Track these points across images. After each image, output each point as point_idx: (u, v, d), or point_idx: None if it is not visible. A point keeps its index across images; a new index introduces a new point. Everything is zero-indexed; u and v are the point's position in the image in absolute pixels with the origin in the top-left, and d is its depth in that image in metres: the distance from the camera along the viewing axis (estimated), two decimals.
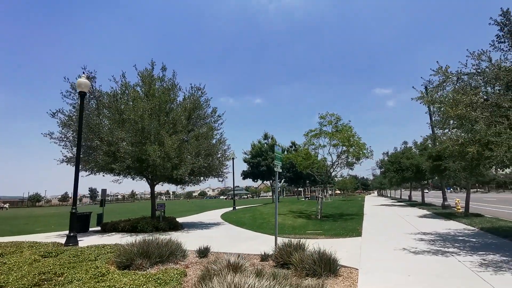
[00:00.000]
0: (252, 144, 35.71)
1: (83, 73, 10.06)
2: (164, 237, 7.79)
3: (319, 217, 16.35)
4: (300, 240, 6.79)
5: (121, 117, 11.63)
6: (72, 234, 9.01)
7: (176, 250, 7.08)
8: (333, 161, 17.67)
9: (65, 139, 11.60)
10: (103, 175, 12.34)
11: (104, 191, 14.17)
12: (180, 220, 18.65)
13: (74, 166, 9.40)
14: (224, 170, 15.55)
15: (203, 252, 7.29)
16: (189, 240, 9.83)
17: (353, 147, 16.35)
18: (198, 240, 9.86)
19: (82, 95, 9.81)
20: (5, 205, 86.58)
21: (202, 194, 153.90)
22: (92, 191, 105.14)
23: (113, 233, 12.13)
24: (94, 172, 11.97)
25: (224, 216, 19.72)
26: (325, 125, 17.55)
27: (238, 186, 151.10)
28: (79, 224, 13.00)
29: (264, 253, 6.81)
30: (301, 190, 63.33)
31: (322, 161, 17.83)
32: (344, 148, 16.88)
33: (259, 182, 40.43)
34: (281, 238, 9.91)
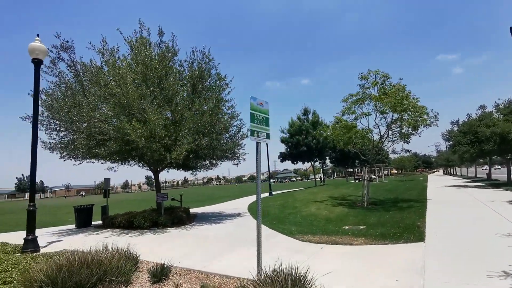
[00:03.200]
0: (290, 121, 32.11)
1: (38, 35, 8.02)
2: (122, 245, 5.42)
3: (365, 205, 12.80)
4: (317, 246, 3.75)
5: (104, 92, 9.48)
6: (30, 237, 7.22)
7: (115, 272, 4.62)
8: (382, 134, 13.68)
9: (47, 122, 9.93)
10: (91, 162, 10.55)
11: (107, 180, 12.62)
12: (201, 210, 16.73)
13: (30, 153, 7.50)
14: (239, 151, 12.81)
15: (158, 275, 4.71)
16: (179, 244, 7.47)
17: (408, 113, 12.20)
18: (192, 242, 7.45)
19: (36, 63, 7.80)
20: (82, 193, 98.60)
21: (252, 178, 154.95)
22: (148, 179, 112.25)
23: (107, 230, 10.38)
24: (78, 159, 10.21)
25: (253, 204, 17.19)
26: (369, 87, 13.55)
27: (286, 169, 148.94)
28: (81, 217, 11.69)
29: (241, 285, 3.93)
30: (352, 171, 58.11)
31: (365, 133, 13.94)
32: (396, 115, 12.80)
33: (306, 164, 36.74)
34: (298, 242, 6.94)
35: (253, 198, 23.23)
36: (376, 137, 14.17)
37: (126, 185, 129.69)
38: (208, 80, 12.04)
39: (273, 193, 25.32)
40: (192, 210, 16.46)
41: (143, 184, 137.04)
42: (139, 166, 12.06)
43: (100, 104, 9.86)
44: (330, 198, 16.26)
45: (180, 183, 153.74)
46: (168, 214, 11.03)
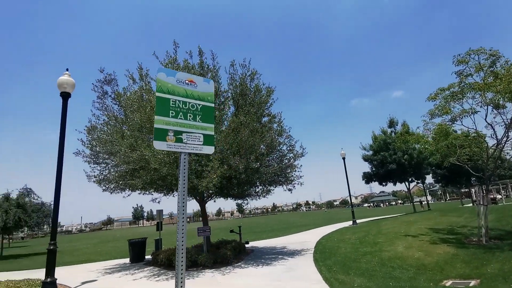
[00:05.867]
0: (373, 135, 27.52)
1: (67, 69, 8.16)
2: None
3: (483, 241, 8.62)
4: None
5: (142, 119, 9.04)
6: (49, 279, 6.68)
7: None
8: (500, 137, 9.41)
9: (93, 156, 10.08)
10: (128, 194, 10.10)
11: (159, 212, 12.17)
12: (263, 243, 14.78)
13: (54, 188, 7.26)
14: (294, 174, 10.61)
15: None
16: None
17: None
18: None
19: (64, 96, 7.82)
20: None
21: (344, 202, 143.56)
22: (239, 206, 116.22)
23: (148, 268, 9.51)
24: (119, 191, 9.86)
25: (325, 238, 14.22)
26: (470, 74, 9.72)
27: (383, 191, 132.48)
28: (134, 252, 11.34)
29: None
30: (467, 191, 46.49)
31: (472, 137, 9.86)
32: None
33: (399, 185, 30.64)
34: None
35: (333, 227, 19.93)
36: (491, 142, 9.89)
37: (219, 213, 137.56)
38: (252, 95, 10.63)
39: (358, 221, 21.34)
40: (253, 244, 14.71)
41: (236, 211, 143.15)
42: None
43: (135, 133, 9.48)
44: (430, 231, 11.98)
45: (269, 210, 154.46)
46: (213, 252, 9.54)
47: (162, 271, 8.79)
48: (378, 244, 10.39)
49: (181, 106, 2.47)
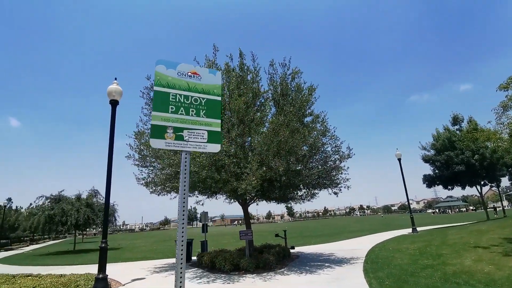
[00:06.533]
0: (435, 134, 24.54)
1: (115, 78, 8.75)
2: None
3: None
4: None
5: None
6: (101, 275, 7.13)
7: None
8: None
9: (141, 160, 10.67)
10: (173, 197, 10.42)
11: (204, 214, 12.38)
12: (310, 248, 14.16)
13: (105, 192, 7.81)
14: (340, 176, 9.90)
15: None
16: None
17: None
18: None
19: (113, 103, 8.40)
20: (235, 223, 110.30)
21: (403, 208, 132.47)
22: (289, 209, 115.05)
23: (193, 269, 9.67)
24: (164, 193, 10.22)
25: (378, 246, 13.03)
26: None
27: (451, 196, 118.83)
28: None
29: None
30: None
31: None
32: None
33: (469, 189, 26.89)
34: None
35: (388, 235, 18.32)
36: None
37: (269, 216, 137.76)
38: (293, 94, 10.25)
39: (419, 229, 19.26)
40: (299, 249, 14.18)
41: (286, 214, 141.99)
42: (225, 199, 11.15)
43: None
44: (504, 241, 10.14)
45: (320, 213, 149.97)
46: (256, 256, 9.33)
47: (205, 273, 8.85)
48: (441, 256, 9.10)
49: (182, 101, 2.29)
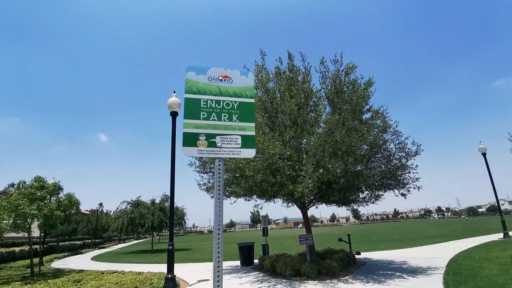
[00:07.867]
0: None
1: (174, 91, 9.43)
2: None
3: None
4: None
5: None
6: (170, 276, 7.70)
7: None
8: None
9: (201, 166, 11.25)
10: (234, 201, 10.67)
11: (264, 217, 12.44)
12: (379, 255, 13.17)
13: (170, 197, 8.43)
14: (407, 176, 8.97)
15: None
16: None
17: None
18: None
19: (173, 115, 9.07)
20: (299, 225, 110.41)
21: (492, 209, 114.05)
22: (354, 211, 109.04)
23: (254, 273, 9.78)
24: (224, 198, 10.54)
25: (462, 255, 11.36)
26: None
27: None
28: (243, 256, 12.01)
29: None
30: None
31: None
32: None
33: None
34: None
35: (475, 241, 15.92)
36: None
37: (333, 218, 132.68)
38: (349, 91, 9.70)
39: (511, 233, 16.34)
40: (366, 255, 13.26)
41: (351, 217, 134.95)
42: (282, 202, 11.00)
43: None
44: None
45: (390, 216, 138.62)
46: (317, 262, 9.02)
47: (266, 278, 8.87)
48: None
49: (213, 106, 2.28)
